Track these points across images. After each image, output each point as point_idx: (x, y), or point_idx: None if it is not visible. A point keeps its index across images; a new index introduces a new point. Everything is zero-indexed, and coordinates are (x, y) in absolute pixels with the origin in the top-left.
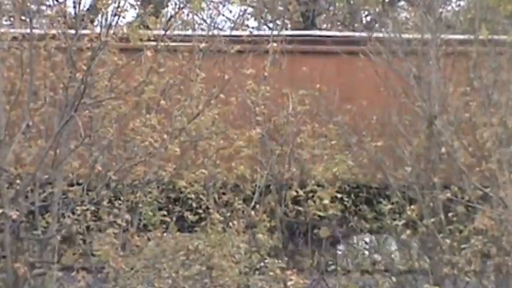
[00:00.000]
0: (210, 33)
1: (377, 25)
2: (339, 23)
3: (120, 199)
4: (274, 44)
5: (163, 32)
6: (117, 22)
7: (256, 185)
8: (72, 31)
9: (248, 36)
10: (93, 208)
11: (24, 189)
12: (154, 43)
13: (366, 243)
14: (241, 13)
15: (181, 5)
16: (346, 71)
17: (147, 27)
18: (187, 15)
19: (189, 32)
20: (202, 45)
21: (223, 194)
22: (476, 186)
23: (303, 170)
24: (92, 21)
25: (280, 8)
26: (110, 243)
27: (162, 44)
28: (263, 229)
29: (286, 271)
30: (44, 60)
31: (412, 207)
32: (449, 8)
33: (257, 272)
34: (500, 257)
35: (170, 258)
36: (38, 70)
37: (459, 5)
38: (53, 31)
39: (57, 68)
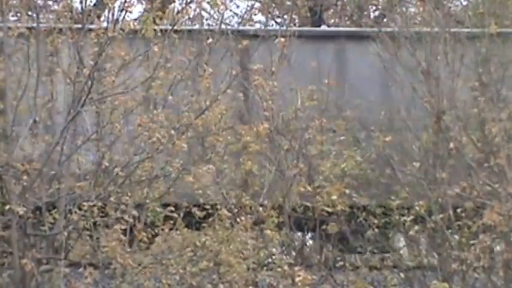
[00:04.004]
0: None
1: (385, 20)
2: (346, 18)
3: (127, 195)
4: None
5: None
6: (124, 17)
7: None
8: (79, 26)
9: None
10: (100, 204)
11: (31, 185)
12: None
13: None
14: (248, 8)
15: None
16: None
17: (154, 22)
18: (195, 10)
19: (197, 27)
20: (210, 40)
21: (231, 189)
22: (485, 181)
23: (311, 166)
24: (99, 16)
25: (288, 3)
26: (117, 239)
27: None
28: (271, 225)
29: (294, 267)
30: (51, 56)
31: (421, 202)
32: (458, 2)
33: (265, 268)
34: (509, 253)
35: (177, 254)
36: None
37: None
38: (60, 26)
39: (64, 63)
